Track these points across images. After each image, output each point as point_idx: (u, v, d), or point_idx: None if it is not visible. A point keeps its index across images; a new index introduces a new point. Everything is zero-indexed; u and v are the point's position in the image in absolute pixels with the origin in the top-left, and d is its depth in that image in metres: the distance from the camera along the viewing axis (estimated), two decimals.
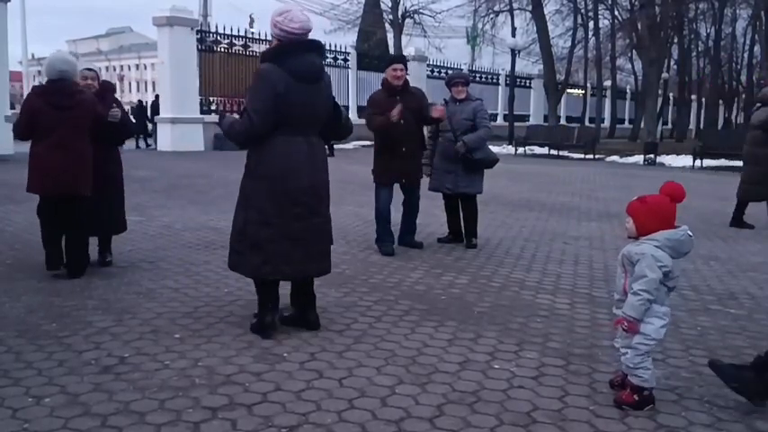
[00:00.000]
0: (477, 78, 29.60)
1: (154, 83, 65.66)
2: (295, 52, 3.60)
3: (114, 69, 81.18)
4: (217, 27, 20.99)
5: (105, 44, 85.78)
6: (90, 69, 5.29)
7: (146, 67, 76.43)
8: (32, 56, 41.91)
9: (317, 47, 3.77)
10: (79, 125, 4.86)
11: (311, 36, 3.73)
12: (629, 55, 37.49)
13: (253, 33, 21.86)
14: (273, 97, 3.53)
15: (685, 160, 19.22)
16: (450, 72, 27.13)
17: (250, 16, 33.91)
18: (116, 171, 5.32)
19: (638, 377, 2.92)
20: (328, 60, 23.74)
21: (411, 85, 6.14)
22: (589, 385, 3.21)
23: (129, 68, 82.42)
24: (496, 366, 3.41)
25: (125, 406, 2.84)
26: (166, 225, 7.27)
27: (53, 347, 3.50)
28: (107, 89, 5.37)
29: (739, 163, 11.71)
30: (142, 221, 7.42)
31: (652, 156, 19.29)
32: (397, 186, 6.14)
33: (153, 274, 5.13)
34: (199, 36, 19.72)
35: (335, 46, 24.38)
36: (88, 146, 4.93)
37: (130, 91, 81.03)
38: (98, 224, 5.19)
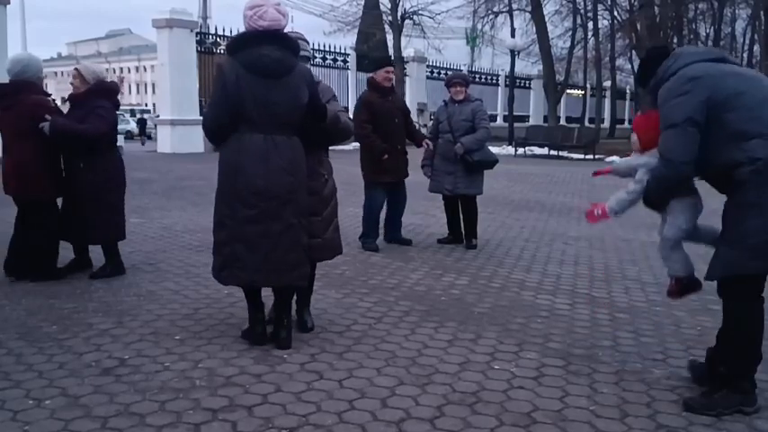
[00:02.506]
0: (477, 79, 29.59)
1: (153, 85, 65.78)
2: (248, 44, 3.42)
3: (114, 71, 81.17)
4: (216, 29, 21.01)
5: (105, 46, 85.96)
6: (76, 69, 5.09)
7: (145, 69, 76.53)
8: None
9: (278, 38, 3.45)
10: (16, 127, 4.74)
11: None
12: (629, 55, 37.45)
13: None
14: (222, 90, 3.41)
15: None
16: (449, 73, 27.20)
17: None
18: (93, 178, 4.90)
19: (670, 267, 3.20)
20: (328, 62, 23.77)
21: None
22: (589, 385, 3.21)
23: (129, 70, 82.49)
24: (496, 367, 3.42)
25: (126, 408, 2.84)
26: (166, 227, 7.28)
27: (54, 350, 3.50)
28: (96, 92, 4.97)
29: None
30: (142, 223, 7.43)
31: None
32: None
33: (153, 275, 5.13)
34: (198, 38, 19.72)
35: (335, 47, 24.39)
36: (33, 148, 4.74)
37: (130, 93, 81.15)
38: (66, 231, 5.01)
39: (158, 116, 22.10)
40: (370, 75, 6.43)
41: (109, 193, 5.04)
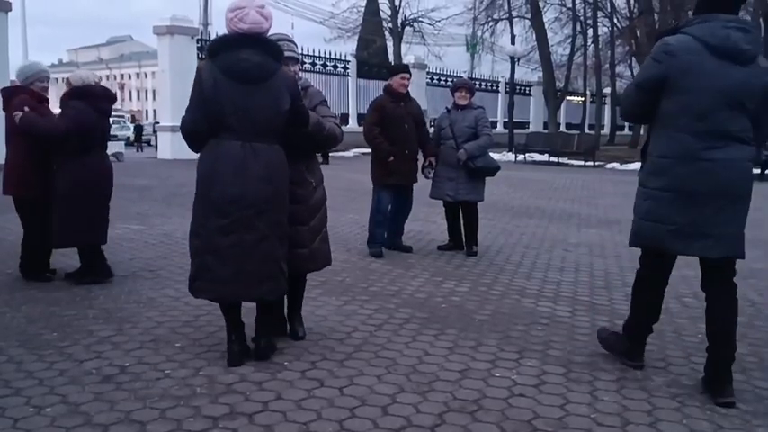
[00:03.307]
0: (477, 86, 29.64)
1: (154, 91, 65.87)
2: (227, 48, 3.31)
3: (115, 78, 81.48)
4: (217, 35, 21.06)
5: (106, 53, 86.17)
6: (67, 77, 5.23)
7: (146, 76, 76.77)
8: None
9: (259, 43, 3.31)
10: (9, 127, 4.97)
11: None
12: (629, 62, 37.50)
13: None
14: (199, 94, 3.29)
15: None
16: (449, 80, 27.24)
17: None
18: (62, 180, 4.90)
19: None
20: (328, 68, 23.83)
21: (412, 93, 6.64)
22: (590, 393, 3.20)
23: (130, 77, 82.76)
24: (497, 374, 3.41)
25: (126, 415, 2.84)
26: (167, 233, 7.27)
27: (54, 357, 3.50)
28: (72, 94, 4.97)
29: None
30: (143, 230, 7.43)
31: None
32: None
33: (153, 282, 5.13)
34: (199, 44, 19.76)
35: (335, 54, 24.44)
36: (15, 148, 4.95)
37: (131, 99, 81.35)
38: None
39: (158, 123, 22.13)
40: (388, 82, 6.59)
41: (75, 198, 4.90)
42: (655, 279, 3.40)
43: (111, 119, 5.29)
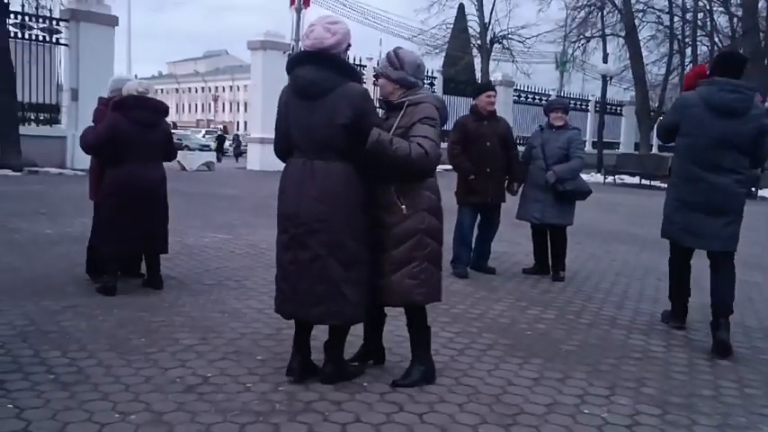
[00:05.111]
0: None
1: (245, 104, 68.10)
2: (293, 66, 3.37)
3: (210, 90, 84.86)
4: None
5: (202, 66, 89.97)
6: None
7: (239, 89, 79.44)
8: (135, 76, 44.57)
9: (317, 58, 3.26)
10: None
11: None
12: None
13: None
14: (278, 113, 3.43)
15: None
16: (537, 98, 26.78)
17: None
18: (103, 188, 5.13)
19: None
20: None
21: (498, 110, 6.58)
22: None
23: (224, 89, 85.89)
24: (586, 411, 3.23)
25: (207, 428, 2.85)
26: (252, 244, 7.39)
27: (141, 363, 3.57)
28: (112, 106, 5.07)
29: None
30: (229, 240, 7.58)
31: (752, 188, 18.23)
32: None
33: (238, 293, 5.20)
34: None
35: None
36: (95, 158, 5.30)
37: (223, 111, 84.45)
38: None
39: (237, 135, 22.67)
40: (473, 101, 6.53)
41: (106, 206, 5.05)
42: (677, 261, 4.73)
43: (174, 129, 5.49)
